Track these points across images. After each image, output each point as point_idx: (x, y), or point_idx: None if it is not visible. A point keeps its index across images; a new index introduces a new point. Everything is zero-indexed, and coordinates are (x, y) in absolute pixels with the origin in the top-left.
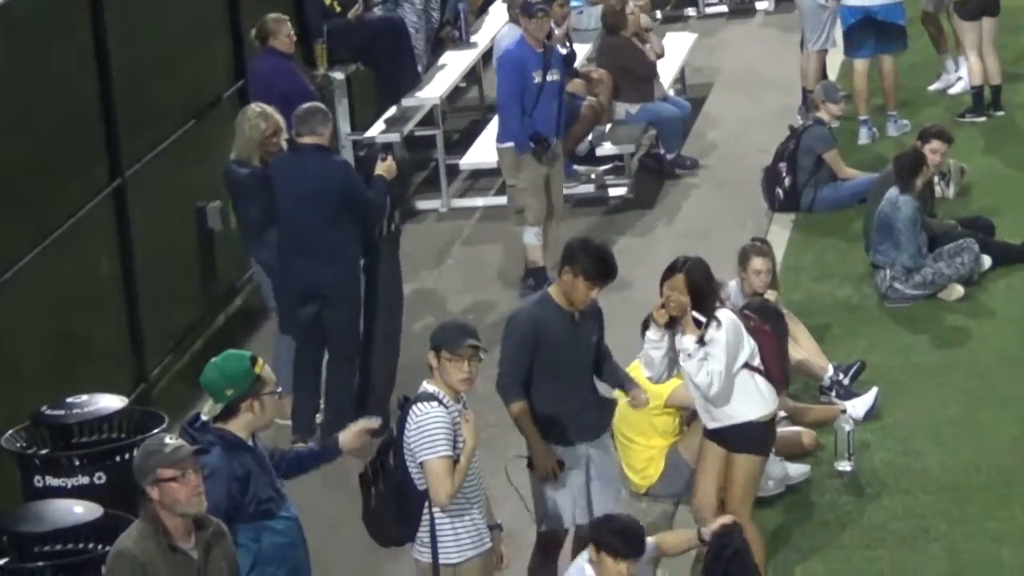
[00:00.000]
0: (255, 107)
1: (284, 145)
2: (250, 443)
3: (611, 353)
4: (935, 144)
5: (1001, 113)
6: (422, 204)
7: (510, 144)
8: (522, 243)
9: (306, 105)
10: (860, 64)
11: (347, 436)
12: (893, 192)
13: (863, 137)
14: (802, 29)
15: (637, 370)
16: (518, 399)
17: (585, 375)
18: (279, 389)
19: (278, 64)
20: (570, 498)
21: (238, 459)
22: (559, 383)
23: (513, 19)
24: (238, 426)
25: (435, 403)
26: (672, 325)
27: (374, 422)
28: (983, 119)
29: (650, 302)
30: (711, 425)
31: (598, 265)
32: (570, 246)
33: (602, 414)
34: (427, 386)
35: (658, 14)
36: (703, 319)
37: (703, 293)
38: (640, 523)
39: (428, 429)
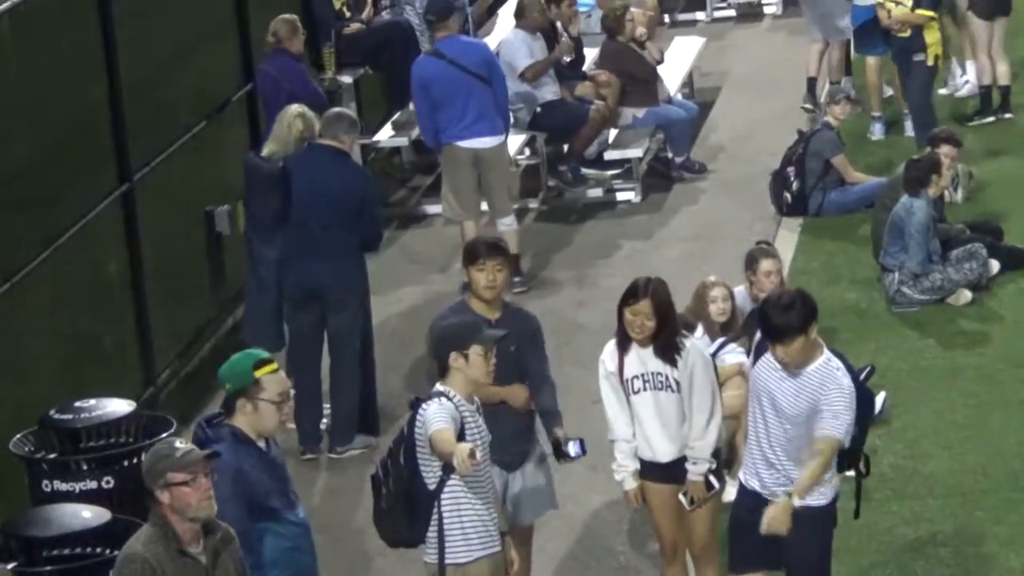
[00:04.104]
0: (296, 107)
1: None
2: (260, 444)
3: (547, 376)
4: (946, 149)
5: (1010, 116)
6: (429, 208)
7: None
8: (511, 232)
9: (336, 110)
10: (872, 60)
11: None
12: (908, 196)
13: (876, 132)
14: (815, 23)
15: None
16: None
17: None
18: (278, 400)
19: (287, 65)
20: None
21: (245, 454)
22: None
23: (518, 21)
24: (242, 424)
25: (443, 399)
26: (627, 348)
27: None
28: (991, 119)
29: None
30: (668, 458)
31: (466, 249)
32: None
33: (520, 432)
34: (438, 387)
35: (666, 18)
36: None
37: (669, 316)
38: None
39: (431, 416)
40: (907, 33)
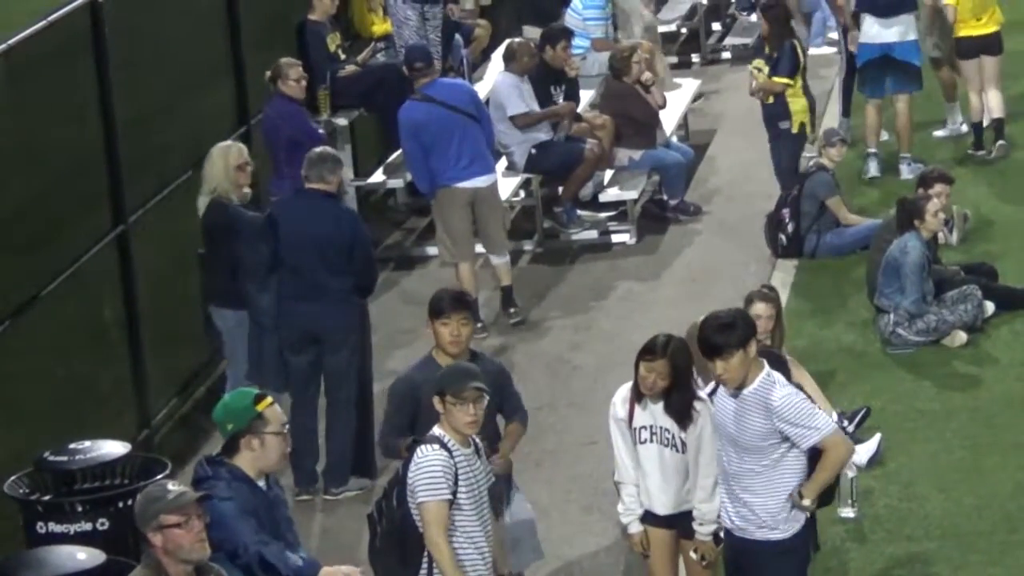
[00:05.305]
0: (224, 142)
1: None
2: (260, 483)
3: (521, 412)
4: (938, 187)
5: (1003, 143)
6: (425, 250)
7: None
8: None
9: (318, 150)
10: (874, 101)
11: (329, 572)
12: (904, 236)
13: (872, 170)
14: None
15: None
16: (401, 441)
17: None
18: (283, 431)
19: (284, 108)
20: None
21: (242, 493)
22: None
23: (507, 65)
24: (243, 463)
25: (437, 446)
26: (640, 400)
27: (358, 572)
28: (982, 152)
29: None
30: (665, 511)
31: (431, 302)
32: None
33: (496, 483)
34: (435, 430)
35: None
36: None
37: (684, 379)
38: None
39: (423, 471)
40: (771, 100)
